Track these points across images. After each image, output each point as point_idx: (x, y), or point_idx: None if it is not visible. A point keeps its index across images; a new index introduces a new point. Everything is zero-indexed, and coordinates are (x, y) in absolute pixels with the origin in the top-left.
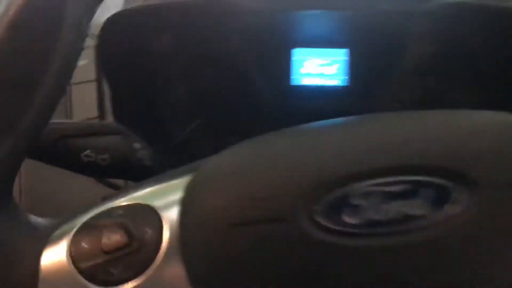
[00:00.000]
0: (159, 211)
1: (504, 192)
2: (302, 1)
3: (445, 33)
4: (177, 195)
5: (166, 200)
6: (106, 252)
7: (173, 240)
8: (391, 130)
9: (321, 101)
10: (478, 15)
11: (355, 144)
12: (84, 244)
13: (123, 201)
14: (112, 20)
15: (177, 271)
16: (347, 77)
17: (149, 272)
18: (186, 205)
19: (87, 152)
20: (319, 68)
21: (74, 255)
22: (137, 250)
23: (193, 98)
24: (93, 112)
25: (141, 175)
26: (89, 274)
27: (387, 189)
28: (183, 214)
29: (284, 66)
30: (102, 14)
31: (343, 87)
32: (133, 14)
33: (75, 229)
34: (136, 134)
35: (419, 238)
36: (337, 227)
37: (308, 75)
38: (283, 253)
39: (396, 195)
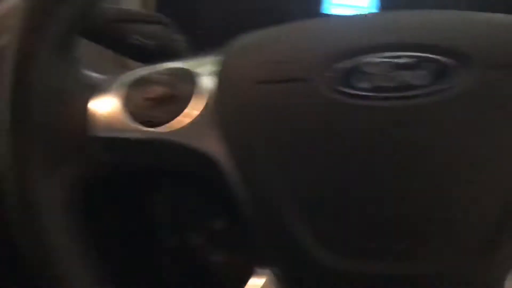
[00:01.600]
0: (197, 75)
1: (499, 73)
2: None
3: None
4: (214, 66)
5: (203, 68)
6: (151, 99)
7: (207, 97)
8: (406, 17)
9: None
10: None
11: (372, 24)
12: (134, 93)
13: (168, 66)
14: None
15: (211, 121)
16: (377, 7)
17: (185, 119)
18: (222, 68)
19: (137, 36)
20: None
21: (125, 102)
22: (177, 100)
23: (230, 20)
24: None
25: None
26: (137, 116)
27: (395, 61)
28: (219, 76)
29: None
30: None
31: None
32: None
33: (127, 82)
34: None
35: (418, 103)
36: (350, 90)
37: (339, 5)
38: (300, 108)
39: (402, 66)
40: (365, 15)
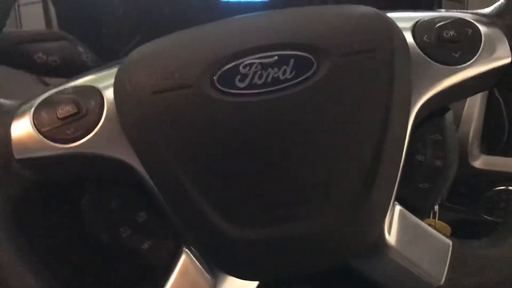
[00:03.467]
0: (100, 90)
1: (345, 60)
2: None
3: None
4: (113, 78)
5: (105, 82)
6: (61, 119)
7: (112, 109)
8: (269, 21)
9: None
10: None
11: (242, 31)
12: (43, 114)
13: (72, 85)
14: None
15: (116, 130)
16: None
17: (95, 131)
18: (118, 82)
19: (39, 54)
20: None
21: (36, 123)
22: (85, 116)
23: (131, 17)
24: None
25: None
26: (49, 135)
27: (264, 60)
28: (116, 89)
29: None
30: None
31: (265, 2)
32: None
33: (36, 104)
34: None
35: (285, 94)
36: (230, 90)
37: None
38: (192, 109)
39: (270, 65)
40: (236, 21)
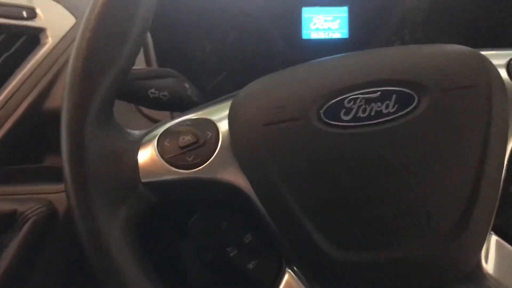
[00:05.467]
0: (215, 122)
1: (445, 95)
2: None
3: None
4: (227, 111)
5: (219, 115)
6: (182, 147)
7: (226, 139)
8: (372, 58)
9: (327, 52)
10: None
11: (346, 69)
12: (166, 143)
13: (190, 117)
14: None
15: (230, 158)
16: (347, 31)
17: (212, 159)
18: (232, 115)
19: (152, 90)
20: (325, 23)
21: (160, 151)
22: (203, 145)
23: (218, 55)
24: (141, 65)
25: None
26: (172, 162)
27: (368, 95)
28: (231, 121)
29: (296, 23)
30: None
31: (344, 39)
32: None
33: (159, 134)
34: None
35: (388, 127)
36: (336, 122)
37: (316, 30)
38: (299, 139)
39: (374, 99)
40: (339, 59)
